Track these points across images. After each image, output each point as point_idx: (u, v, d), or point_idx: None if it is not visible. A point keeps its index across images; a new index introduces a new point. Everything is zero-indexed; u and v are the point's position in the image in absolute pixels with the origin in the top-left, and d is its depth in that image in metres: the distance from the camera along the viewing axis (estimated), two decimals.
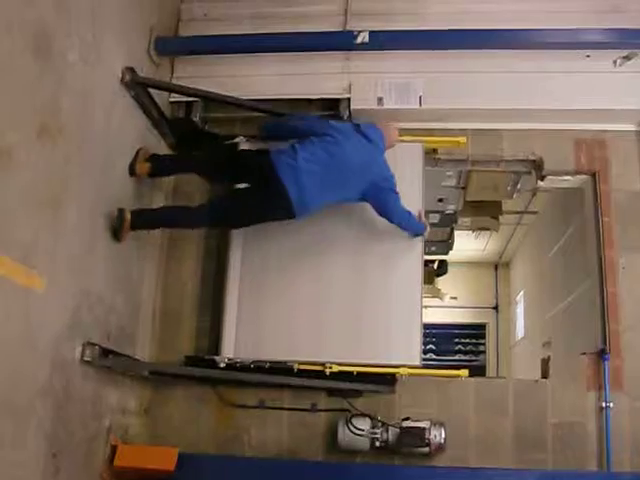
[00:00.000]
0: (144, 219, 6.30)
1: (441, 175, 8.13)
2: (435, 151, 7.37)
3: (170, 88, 7.15)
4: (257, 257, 6.95)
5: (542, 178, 7.41)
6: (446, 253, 12.17)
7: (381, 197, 6.32)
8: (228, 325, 6.83)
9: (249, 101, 6.99)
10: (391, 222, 6.49)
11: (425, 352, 16.75)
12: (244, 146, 7.06)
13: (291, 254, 6.85)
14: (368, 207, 6.42)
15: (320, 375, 6.50)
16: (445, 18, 7.28)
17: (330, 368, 6.39)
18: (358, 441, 6.50)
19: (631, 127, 7.29)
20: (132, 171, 6.48)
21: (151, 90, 6.79)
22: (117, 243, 6.24)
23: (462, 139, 7.02)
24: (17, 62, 4.68)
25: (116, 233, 6.15)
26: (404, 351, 6.51)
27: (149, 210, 6.71)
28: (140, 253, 6.89)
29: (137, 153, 6.55)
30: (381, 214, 6.43)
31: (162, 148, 7.17)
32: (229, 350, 6.72)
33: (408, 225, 6.63)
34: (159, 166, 6.65)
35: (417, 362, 6.49)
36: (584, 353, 6.96)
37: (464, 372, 6.31)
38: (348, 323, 6.62)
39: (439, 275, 14.88)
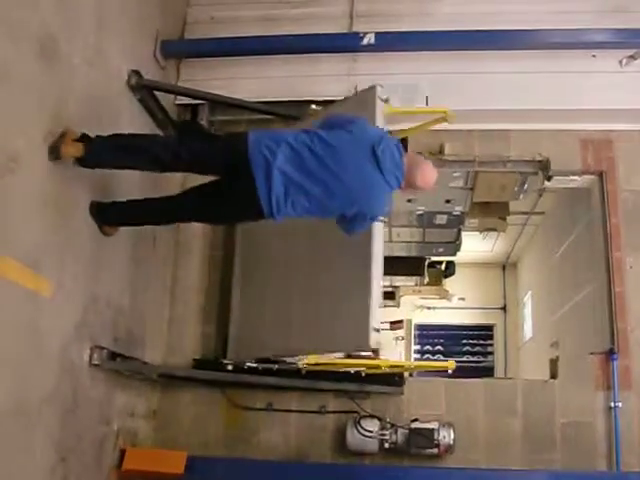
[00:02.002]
0: (114, 214, 5.69)
1: (448, 176, 8.14)
2: (442, 152, 7.36)
3: (176, 91, 7.17)
4: (257, 266, 7.03)
5: (549, 178, 7.40)
6: (454, 254, 12.19)
7: (356, 222, 5.19)
8: (233, 328, 6.88)
9: (255, 103, 7.00)
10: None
11: (433, 353, 16.81)
12: None
13: (285, 264, 6.80)
14: None
15: (328, 377, 6.50)
16: (451, 19, 7.29)
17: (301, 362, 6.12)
18: (367, 443, 6.51)
19: (638, 127, 7.28)
20: (56, 153, 5.01)
21: (157, 93, 6.81)
22: (121, 246, 6.26)
23: (448, 111, 6.44)
24: (23, 67, 4.69)
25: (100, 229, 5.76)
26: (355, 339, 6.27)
27: (119, 204, 5.73)
28: (147, 257, 6.89)
29: (62, 134, 5.08)
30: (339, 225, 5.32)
31: None
32: (234, 352, 6.74)
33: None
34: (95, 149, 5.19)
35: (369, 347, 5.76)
36: (592, 353, 6.94)
37: (451, 364, 6.22)
38: (312, 318, 6.46)
39: (447, 276, 14.89)
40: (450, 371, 6.12)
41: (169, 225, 6.83)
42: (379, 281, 5.47)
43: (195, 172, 5.51)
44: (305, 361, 5.88)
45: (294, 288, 6.49)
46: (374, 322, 5.28)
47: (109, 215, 5.68)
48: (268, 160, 4.86)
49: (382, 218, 5.56)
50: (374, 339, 5.19)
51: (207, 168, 5.27)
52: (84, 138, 5.14)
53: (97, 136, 5.18)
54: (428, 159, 5.36)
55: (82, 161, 5.15)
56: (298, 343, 6.14)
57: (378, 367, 6.20)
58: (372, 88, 6.04)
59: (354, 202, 4.99)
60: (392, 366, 6.37)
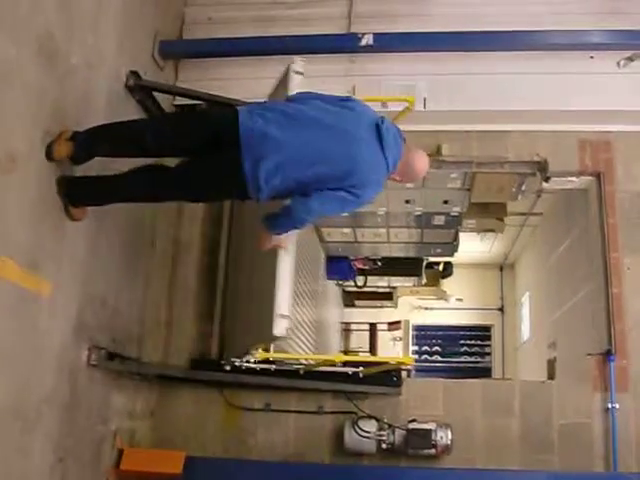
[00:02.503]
0: (85, 191, 5.29)
1: (446, 177, 8.15)
2: (439, 153, 7.36)
3: (174, 91, 7.17)
4: (239, 268, 7.03)
5: (547, 179, 7.41)
6: (451, 255, 12.20)
7: (340, 202, 4.84)
8: (226, 328, 6.90)
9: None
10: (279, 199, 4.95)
11: (431, 354, 16.83)
12: None
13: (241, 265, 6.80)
14: None
15: (326, 378, 6.50)
16: (449, 20, 7.29)
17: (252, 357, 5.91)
18: (364, 443, 6.51)
19: (635, 128, 7.28)
20: (49, 154, 4.97)
21: (155, 94, 6.80)
22: (120, 246, 6.27)
23: (410, 98, 6.14)
24: (22, 66, 4.69)
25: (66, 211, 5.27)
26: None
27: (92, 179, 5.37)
28: (145, 257, 6.89)
29: (59, 134, 5.04)
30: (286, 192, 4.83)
31: None
32: (228, 352, 6.74)
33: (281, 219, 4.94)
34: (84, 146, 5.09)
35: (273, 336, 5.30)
36: (590, 354, 6.95)
37: (409, 359, 6.15)
38: (250, 315, 6.17)
39: (444, 277, 14.92)
40: (410, 367, 6.02)
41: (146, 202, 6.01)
42: (288, 265, 5.17)
43: (180, 148, 5.07)
44: (257, 356, 5.76)
45: (242, 288, 6.59)
46: (280, 309, 4.97)
47: (78, 192, 5.27)
48: (259, 126, 4.64)
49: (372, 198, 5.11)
50: (280, 326, 4.91)
51: (193, 139, 4.96)
52: (75, 136, 5.05)
53: (78, 131, 5.07)
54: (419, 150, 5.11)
55: (73, 159, 5.08)
56: (242, 340, 6.19)
57: (333, 362, 6.15)
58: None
59: (352, 172, 4.69)
60: (346, 361, 6.29)
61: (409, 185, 8.44)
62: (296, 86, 5.53)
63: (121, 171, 5.17)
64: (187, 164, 5.00)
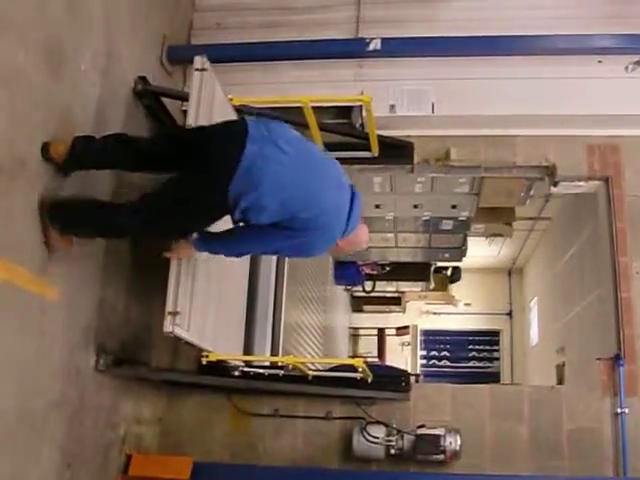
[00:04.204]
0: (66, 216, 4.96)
1: (454, 182, 8.15)
2: (448, 157, 7.36)
3: (182, 97, 7.16)
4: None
5: (555, 184, 7.38)
6: (460, 260, 12.19)
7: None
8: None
9: (261, 109, 6.99)
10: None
11: (439, 359, 16.81)
12: None
13: None
14: None
15: (335, 383, 6.49)
16: (457, 25, 7.31)
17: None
18: (373, 449, 6.49)
19: None
20: (46, 153, 4.86)
21: (163, 99, 6.81)
22: (128, 250, 6.28)
23: (365, 97, 6.11)
24: (31, 72, 4.70)
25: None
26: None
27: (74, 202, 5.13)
28: (154, 261, 6.88)
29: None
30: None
31: None
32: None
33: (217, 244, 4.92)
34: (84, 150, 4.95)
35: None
36: (599, 359, 6.93)
37: (358, 361, 6.11)
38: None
39: (453, 282, 14.92)
40: (360, 369, 5.94)
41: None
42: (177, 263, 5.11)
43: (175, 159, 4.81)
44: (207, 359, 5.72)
45: None
46: (169, 306, 4.93)
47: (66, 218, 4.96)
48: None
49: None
50: (169, 322, 4.85)
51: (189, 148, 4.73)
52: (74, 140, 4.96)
53: (77, 137, 4.98)
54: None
55: (64, 162, 4.94)
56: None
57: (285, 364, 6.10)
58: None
59: (313, 205, 4.49)
60: (297, 362, 6.03)
61: (417, 190, 8.44)
62: (198, 83, 5.56)
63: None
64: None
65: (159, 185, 4.76)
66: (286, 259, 7.12)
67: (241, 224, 4.65)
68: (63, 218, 4.90)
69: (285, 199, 4.42)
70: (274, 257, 6.99)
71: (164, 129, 5.34)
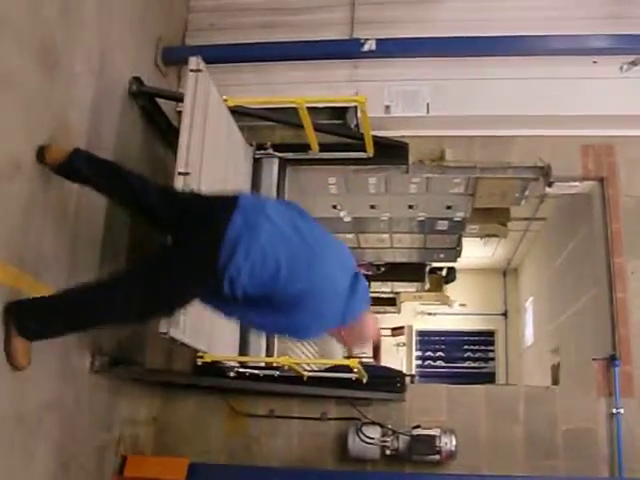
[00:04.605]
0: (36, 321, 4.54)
1: (449, 182, 8.14)
2: (442, 158, 7.37)
3: (177, 97, 7.15)
4: None
5: (550, 184, 7.39)
6: (455, 260, 12.19)
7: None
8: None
9: (256, 110, 6.99)
10: None
11: (434, 359, 16.80)
12: None
13: None
14: None
15: (330, 384, 6.49)
16: (452, 25, 7.31)
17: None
18: (368, 449, 6.49)
19: (638, 132, 7.27)
20: (41, 157, 4.81)
21: (158, 100, 6.80)
22: (123, 251, 6.27)
23: (360, 98, 6.13)
24: (25, 73, 4.70)
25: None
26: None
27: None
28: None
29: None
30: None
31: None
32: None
33: None
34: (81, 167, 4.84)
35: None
36: (594, 359, 6.93)
37: (354, 361, 6.08)
38: None
39: (448, 282, 14.89)
40: (355, 369, 5.91)
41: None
42: None
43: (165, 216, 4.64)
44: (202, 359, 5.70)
45: None
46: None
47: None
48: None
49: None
50: (164, 324, 4.85)
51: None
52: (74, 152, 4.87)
53: (78, 151, 4.92)
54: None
55: (57, 170, 4.85)
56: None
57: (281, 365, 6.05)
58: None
59: (309, 283, 4.22)
60: (293, 363, 5.96)
61: (412, 190, 8.45)
62: (192, 84, 5.57)
63: None
64: None
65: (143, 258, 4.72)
66: None
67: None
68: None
69: (272, 270, 4.16)
70: None
71: (162, 185, 5.01)
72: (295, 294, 4.20)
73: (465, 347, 17.32)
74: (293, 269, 4.19)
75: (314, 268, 4.24)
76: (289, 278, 4.18)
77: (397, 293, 15.61)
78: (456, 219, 9.66)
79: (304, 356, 8.21)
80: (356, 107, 7.03)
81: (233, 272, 4.14)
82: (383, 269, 13.37)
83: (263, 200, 4.59)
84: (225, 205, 4.32)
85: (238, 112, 6.63)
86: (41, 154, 4.80)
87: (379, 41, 7.19)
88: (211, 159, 5.73)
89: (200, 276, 4.33)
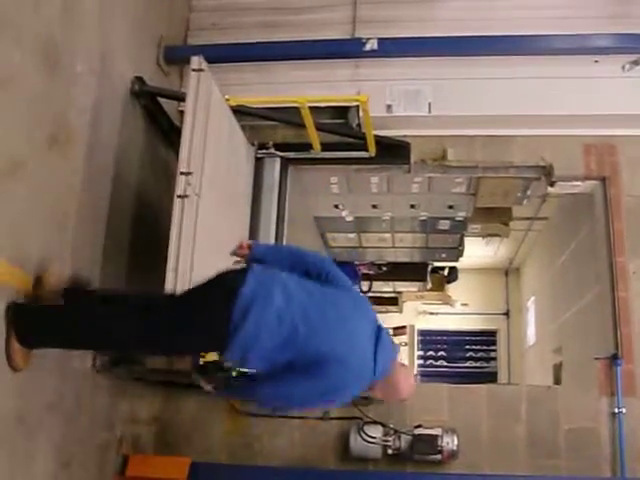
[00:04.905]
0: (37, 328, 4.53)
1: (451, 182, 8.13)
2: (444, 157, 7.36)
3: (179, 97, 7.16)
4: None
5: (552, 184, 7.38)
6: (456, 260, 12.18)
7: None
8: None
9: (258, 109, 6.99)
10: None
11: (436, 359, 16.78)
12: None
13: None
14: None
15: None
16: (453, 24, 7.31)
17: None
18: (370, 449, 6.49)
19: None
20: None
21: (160, 99, 6.80)
22: (125, 249, 6.27)
23: (362, 97, 6.27)
24: (26, 74, 4.70)
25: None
26: None
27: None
28: (151, 260, 6.88)
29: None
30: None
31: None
32: None
33: None
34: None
35: None
36: (596, 358, 6.93)
37: None
38: None
39: (449, 282, 14.88)
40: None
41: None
42: (177, 260, 5.12)
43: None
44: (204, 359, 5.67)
45: None
46: None
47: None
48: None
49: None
50: None
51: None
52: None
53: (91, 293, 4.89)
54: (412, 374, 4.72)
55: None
56: None
57: None
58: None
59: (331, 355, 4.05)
60: None
61: (414, 190, 8.44)
62: (194, 83, 5.56)
63: None
64: None
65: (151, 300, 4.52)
66: None
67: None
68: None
69: (289, 331, 4.02)
70: None
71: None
72: (319, 356, 4.04)
73: (467, 347, 17.29)
74: (312, 329, 4.06)
75: (336, 334, 4.12)
76: (308, 337, 4.05)
77: (399, 293, 15.62)
78: (458, 218, 9.66)
79: None
80: (358, 106, 7.04)
81: (247, 338, 4.00)
82: (385, 269, 13.37)
83: (277, 270, 4.34)
84: (238, 272, 4.23)
85: (240, 111, 6.64)
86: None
87: (381, 40, 7.19)
88: (213, 159, 5.74)
89: (206, 340, 4.26)
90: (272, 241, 6.87)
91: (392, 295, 15.66)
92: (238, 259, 4.63)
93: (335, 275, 4.47)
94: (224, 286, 4.13)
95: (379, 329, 4.27)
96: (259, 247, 4.75)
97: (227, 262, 5.07)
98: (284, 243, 7.05)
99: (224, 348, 4.07)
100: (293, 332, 4.02)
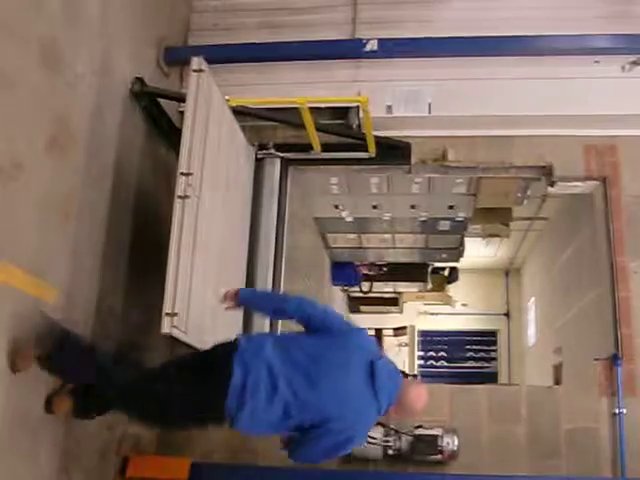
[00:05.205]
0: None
1: (451, 182, 8.14)
2: (445, 158, 7.36)
3: (179, 98, 7.16)
4: None
5: (552, 184, 7.38)
6: (457, 260, 12.19)
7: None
8: None
9: (258, 110, 6.99)
10: None
11: (437, 359, 16.79)
12: None
13: None
14: None
15: None
16: (453, 25, 7.31)
17: None
18: (371, 449, 6.49)
19: None
20: (49, 407, 4.99)
21: (160, 100, 6.80)
22: (127, 252, 6.27)
23: (362, 98, 6.28)
24: (27, 74, 4.71)
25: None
26: None
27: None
28: (153, 263, 6.88)
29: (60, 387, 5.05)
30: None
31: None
32: None
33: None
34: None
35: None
36: (597, 359, 6.93)
37: None
38: None
39: (450, 282, 14.89)
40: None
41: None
42: (177, 261, 5.12)
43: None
44: None
45: None
46: (167, 307, 4.97)
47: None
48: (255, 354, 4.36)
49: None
50: (166, 324, 4.92)
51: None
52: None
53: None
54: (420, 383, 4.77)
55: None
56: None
57: None
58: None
59: (328, 414, 4.25)
60: None
61: (414, 190, 8.45)
62: (195, 84, 5.57)
63: None
64: None
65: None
66: (283, 258, 7.09)
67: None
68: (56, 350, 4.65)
69: (284, 408, 4.25)
70: (270, 257, 6.97)
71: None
72: (316, 422, 4.27)
73: (467, 347, 17.31)
74: (303, 403, 4.26)
75: (327, 400, 4.28)
76: (301, 410, 4.26)
77: (399, 293, 15.63)
78: (458, 219, 9.67)
79: None
80: (358, 107, 7.04)
81: (245, 424, 4.39)
82: (385, 269, 13.38)
83: (264, 339, 4.57)
84: (226, 356, 4.36)
85: (240, 112, 6.63)
86: (49, 406, 4.93)
87: (381, 41, 7.19)
88: (213, 159, 5.74)
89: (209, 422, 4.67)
90: (272, 242, 6.90)
91: (392, 296, 15.69)
92: (228, 305, 4.94)
93: (323, 320, 4.58)
94: (216, 377, 4.33)
95: (372, 365, 4.34)
96: (245, 294, 5.04)
97: (227, 262, 5.11)
98: (284, 245, 7.06)
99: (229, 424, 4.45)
100: (286, 407, 4.24)
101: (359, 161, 7.13)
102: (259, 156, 7.10)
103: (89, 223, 5.59)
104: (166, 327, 4.92)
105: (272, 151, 7.08)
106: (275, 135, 7.39)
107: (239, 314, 6.46)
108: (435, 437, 6.41)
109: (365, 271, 13.53)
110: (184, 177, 5.24)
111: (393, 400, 4.37)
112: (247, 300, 5.01)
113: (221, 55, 7.36)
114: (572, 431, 6.66)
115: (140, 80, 6.46)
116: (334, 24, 7.61)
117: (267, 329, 6.57)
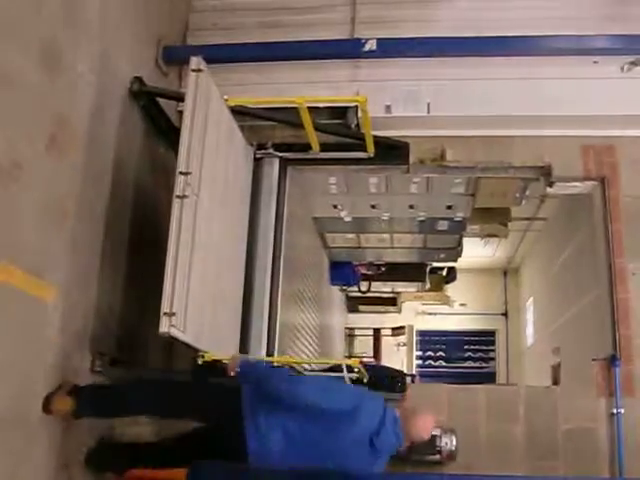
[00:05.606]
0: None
1: (450, 182, 8.13)
2: (443, 158, 7.36)
3: (178, 97, 7.16)
4: None
5: (551, 184, 7.38)
6: (455, 260, 12.17)
7: None
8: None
9: (257, 109, 6.99)
10: None
11: (435, 359, 16.79)
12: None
13: None
14: None
15: None
16: (453, 25, 7.31)
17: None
18: None
19: (639, 132, 7.27)
20: (47, 407, 5.05)
21: (159, 100, 6.80)
22: (125, 253, 6.27)
23: (361, 98, 6.19)
24: (27, 73, 4.71)
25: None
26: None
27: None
28: (150, 263, 6.88)
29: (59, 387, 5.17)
30: None
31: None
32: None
33: None
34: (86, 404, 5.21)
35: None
36: (595, 359, 6.93)
37: (354, 361, 6.04)
38: None
39: (448, 282, 14.87)
40: (356, 369, 5.88)
41: None
42: (175, 261, 5.09)
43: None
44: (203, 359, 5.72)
45: None
46: (165, 306, 4.95)
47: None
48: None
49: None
50: (164, 323, 4.91)
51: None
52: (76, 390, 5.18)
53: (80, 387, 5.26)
54: (427, 414, 4.81)
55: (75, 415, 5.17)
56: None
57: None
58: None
59: None
60: (293, 362, 6.05)
61: (413, 190, 8.44)
62: (193, 84, 5.55)
63: None
64: None
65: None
66: (281, 258, 7.08)
67: None
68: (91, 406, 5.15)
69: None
70: (268, 256, 6.97)
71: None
72: None
73: (465, 347, 17.33)
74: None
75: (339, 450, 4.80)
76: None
77: (398, 293, 15.63)
78: (457, 219, 9.65)
79: (304, 356, 8.21)
80: (357, 107, 7.02)
81: None
82: (384, 269, 13.37)
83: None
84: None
85: (239, 112, 6.62)
86: (47, 406, 5.00)
87: (380, 41, 7.19)
88: (212, 159, 5.73)
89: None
90: (270, 242, 6.88)
91: (391, 295, 15.68)
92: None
93: (321, 401, 4.84)
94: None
95: (371, 442, 4.65)
96: (244, 368, 5.18)
97: (226, 261, 5.10)
98: (282, 244, 7.04)
99: None
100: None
101: (358, 161, 7.12)
102: (258, 156, 7.09)
103: (88, 222, 5.59)
104: (164, 326, 4.91)
105: (271, 151, 7.07)
106: (274, 135, 7.38)
107: (238, 314, 6.47)
108: (433, 437, 6.39)
109: (363, 271, 13.51)
110: (183, 176, 5.23)
111: (400, 445, 4.66)
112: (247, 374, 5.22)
113: (220, 55, 7.37)
114: (570, 431, 6.67)
115: (139, 79, 6.47)
116: (333, 24, 7.61)
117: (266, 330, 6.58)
